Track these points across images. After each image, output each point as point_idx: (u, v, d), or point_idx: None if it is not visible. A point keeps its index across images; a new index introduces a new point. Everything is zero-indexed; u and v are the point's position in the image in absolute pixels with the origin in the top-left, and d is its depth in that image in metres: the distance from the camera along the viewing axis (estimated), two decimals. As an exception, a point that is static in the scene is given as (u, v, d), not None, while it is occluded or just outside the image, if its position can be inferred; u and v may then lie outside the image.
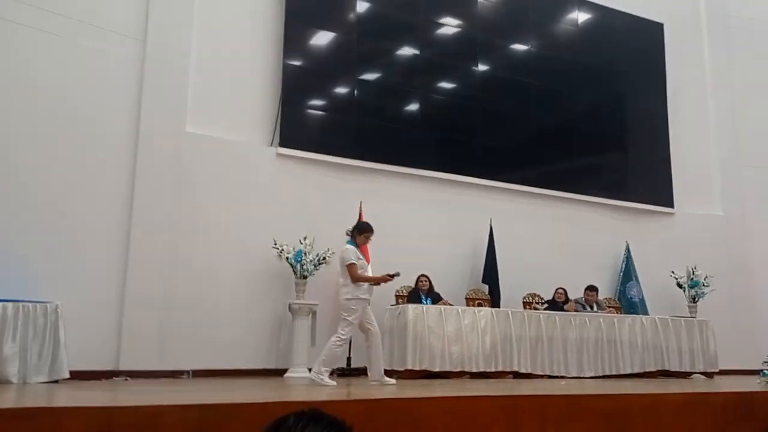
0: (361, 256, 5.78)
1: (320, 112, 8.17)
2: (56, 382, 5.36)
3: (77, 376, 5.59)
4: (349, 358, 7.40)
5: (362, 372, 7.29)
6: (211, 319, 6.92)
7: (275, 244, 7.07)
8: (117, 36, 6.89)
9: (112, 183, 6.67)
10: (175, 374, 6.55)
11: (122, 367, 6.36)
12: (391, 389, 5.17)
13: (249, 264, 7.23)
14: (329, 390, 5.08)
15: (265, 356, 7.16)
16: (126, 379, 6.16)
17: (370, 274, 5.99)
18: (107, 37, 6.82)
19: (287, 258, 7.06)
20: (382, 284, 6.02)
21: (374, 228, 7.56)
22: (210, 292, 6.97)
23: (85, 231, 6.42)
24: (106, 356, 6.33)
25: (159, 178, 6.87)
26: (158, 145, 6.90)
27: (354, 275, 5.67)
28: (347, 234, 5.97)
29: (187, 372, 6.64)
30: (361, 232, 5.92)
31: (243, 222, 7.29)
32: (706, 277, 9.28)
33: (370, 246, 7.44)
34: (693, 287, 9.26)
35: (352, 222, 7.64)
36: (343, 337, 5.66)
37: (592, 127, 9.96)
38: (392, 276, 5.83)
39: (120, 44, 6.88)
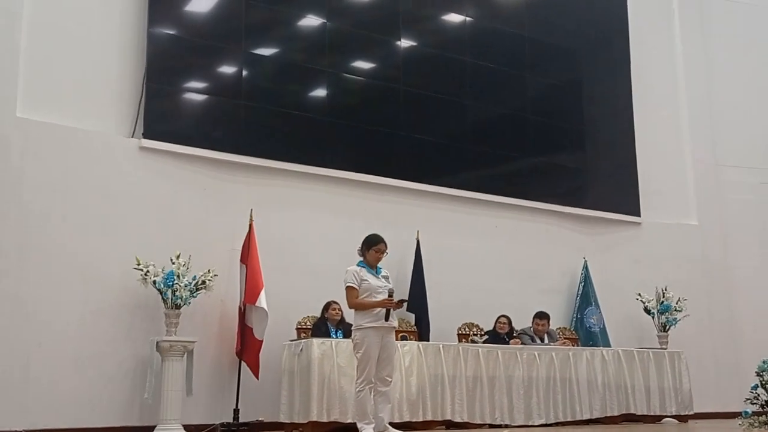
0: (366, 277, 6.00)
1: (199, 96, 8.09)
2: None
3: None
4: (236, 410, 7.32)
5: (254, 427, 7.26)
6: (49, 366, 6.70)
7: (138, 265, 6.95)
8: None
9: None
10: (0, 436, 6.31)
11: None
12: None
13: (101, 291, 7.06)
14: None
15: (124, 410, 6.98)
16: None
17: (382, 297, 5.97)
18: None
19: (154, 282, 6.95)
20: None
21: (271, 241, 7.69)
22: (47, 331, 6.75)
23: None
24: None
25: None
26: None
27: (349, 301, 5.98)
28: (358, 254, 6.17)
29: (18, 433, 6.41)
30: (369, 246, 6.13)
31: (93, 236, 7.12)
32: (679, 300, 9.66)
33: (264, 268, 7.51)
34: (663, 312, 9.59)
35: (240, 235, 7.70)
36: (359, 380, 5.90)
37: (543, 119, 10.22)
38: (392, 299, 5.90)
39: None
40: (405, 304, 6.37)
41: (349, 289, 6.00)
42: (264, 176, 8.13)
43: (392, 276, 8.23)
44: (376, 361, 5.93)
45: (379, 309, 5.92)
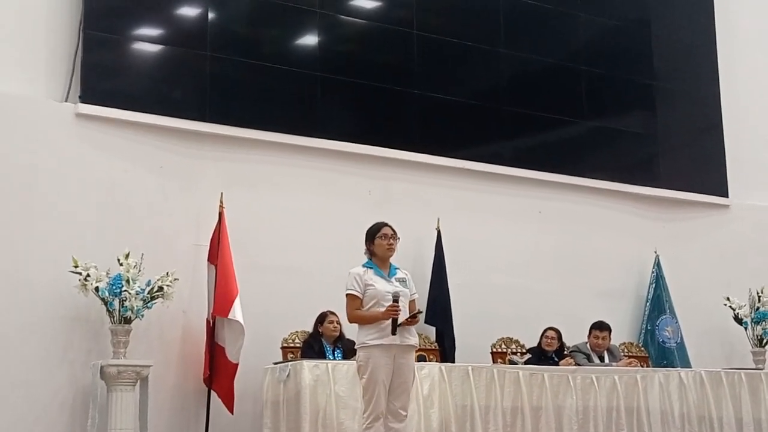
0: (373, 281, 5.98)
1: (152, 46, 8.13)
2: None
3: None
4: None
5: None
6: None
7: (75, 267, 6.94)
8: None
9: None
10: None
11: None
12: None
13: (28, 301, 7.02)
14: None
15: (60, 455, 7.01)
16: None
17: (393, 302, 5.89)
18: None
19: (96, 289, 6.96)
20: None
21: (247, 234, 7.66)
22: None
23: None
24: None
25: None
26: None
27: (348, 313, 6.03)
28: (366, 255, 6.18)
29: None
30: (372, 236, 6.14)
31: (17, 229, 7.09)
32: (781, 305, 9.67)
33: (239, 269, 7.47)
34: (759, 322, 9.55)
35: (207, 226, 7.71)
36: (366, 414, 5.87)
37: (601, 71, 10.21)
38: (398, 305, 5.83)
39: None
40: (421, 316, 6.24)
41: (348, 297, 5.98)
42: (237, 149, 8.12)
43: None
44: (387, 388, 5.88)
45: (386, 321, 5.86)
